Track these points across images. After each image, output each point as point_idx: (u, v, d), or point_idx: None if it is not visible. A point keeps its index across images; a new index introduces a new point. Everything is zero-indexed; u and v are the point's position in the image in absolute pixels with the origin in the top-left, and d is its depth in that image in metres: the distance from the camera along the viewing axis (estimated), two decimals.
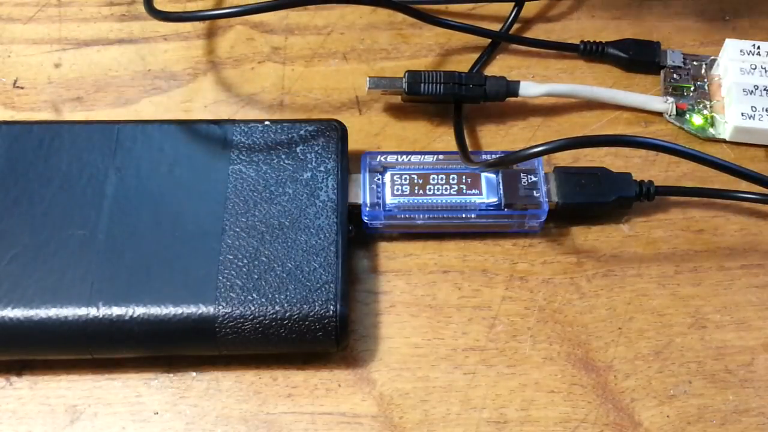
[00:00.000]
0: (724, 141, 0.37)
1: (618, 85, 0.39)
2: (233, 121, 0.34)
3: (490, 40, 0.39)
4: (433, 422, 0.30)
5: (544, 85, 0.37)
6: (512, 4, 0.40)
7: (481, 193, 0.33)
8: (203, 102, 0.38)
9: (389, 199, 0.33)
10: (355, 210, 0.33)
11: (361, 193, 0.33)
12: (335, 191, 0.32)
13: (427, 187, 0.33)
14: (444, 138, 0.37)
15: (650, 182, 0.34)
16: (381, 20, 0.40)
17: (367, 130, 0.37)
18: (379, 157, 0.34)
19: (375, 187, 0.33)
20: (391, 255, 0.34)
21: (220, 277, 0.30)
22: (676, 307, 0.33)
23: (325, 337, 0.30)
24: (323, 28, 0.40)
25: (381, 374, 0.31)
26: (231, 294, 0.30)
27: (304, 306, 0.30)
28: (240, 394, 0.31)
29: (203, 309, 0.30)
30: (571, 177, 0.34)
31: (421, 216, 0.33)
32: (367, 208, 0.33)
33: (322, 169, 0.33)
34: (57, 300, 0.30)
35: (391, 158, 0.34)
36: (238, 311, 0.30)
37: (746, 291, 0.33)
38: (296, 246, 0.31)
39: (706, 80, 0.38)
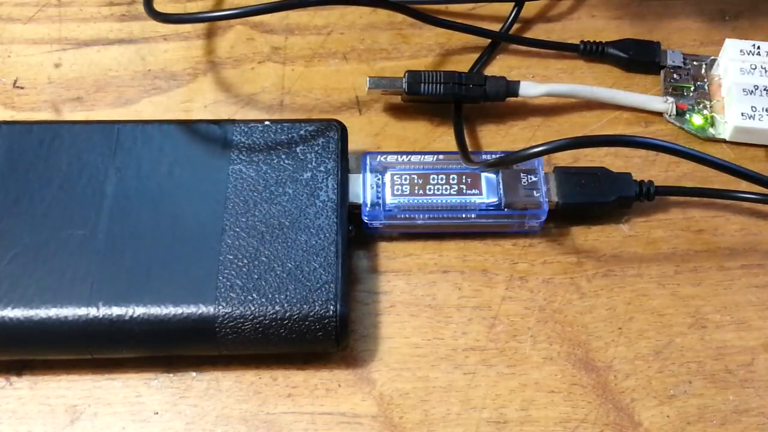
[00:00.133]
0: (724, 141, 0.37)
1: (618, 85, 0.39)
2: (233, 121, 0.34)
3: (490, 41, 0.39)
4: (433, 422, 0.30)
5: (544, 85, 0.37)
6: (512, 4, 0.40)
7: (481, 193, 0.33)
8: (203, 102, 0.38)
9: (389, 199, 0.33)
10: (355, 210, 0.33)
11: (361, 193, 0.33)
12: (335, 191, 0.32)
13: (427, 187, 0.33)
14: (444, 138, 0.37)
15: (650, 182, 0.34)
16: (381, 20, 0.40)
17: (367, 130, 0.37)
18: (379, 157, 0.34)
19: (375, 187, 0.33)
20: (391, 255, 0.34)
21: (220, 277, 0.30)
22: (676, 307, 0.33)
23: (325, 337, 0.30)
24: (323, 28, 0.40)
25: (381, 374, 0.31)
26: (231, 294, 0.30)
27: (304, 306, 0.30)
28: (240, 394, 0.31)
29: (203, 309, 0.30)
30: (571, 177, 0.34)
31: (421, 216, 0.33)
32: (367, 208, 0.33)
33: (322, 169, 0.33)
34: (57, 300, 0.30)
35: (391, 158, 0.34)
36: (238, 311, 0.30)
37: (746, 291, 0.33)
38: (296, 246, 0.31)
39: (706, 80, 0.39)
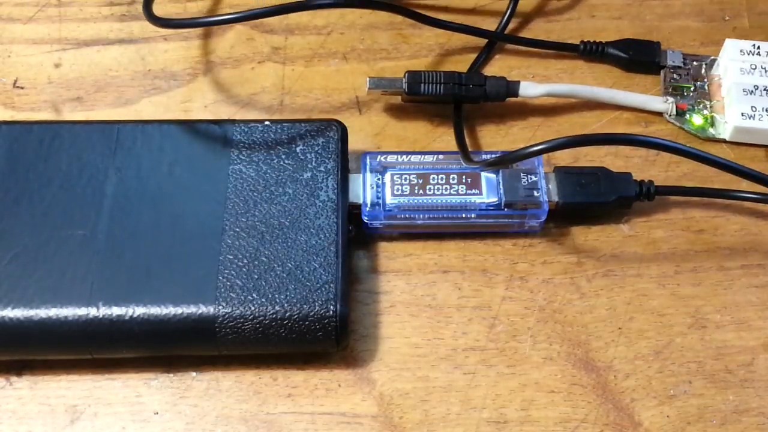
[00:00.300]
0: (724, 141, 0.37)
1: (618, 85, 0.39)
2: (233, 121, 0.34)
3: (486, 38, 0.39)
4: (433, 422, 0.30)
5: (544, 85, 0.37)
6: (508, 1, 0.40)
7: (481, 193, 0.33)
8: (203, 102, 0.38)
9: (389, 199, 0.33)
10: (355, 210, 0.33)
11: (361, 193, 0.33)
12: (335, 191, 0.32)
13: (427, 187, 0.33)
14: (444, 138, 0.37)
15: (650, 182, 0.34)
16: (381, 20, 0.40)
17: (367, 130, 0.37)
18: (379, 157, 0.34)
19: (375, 187, 0.33)
20: (391, 255, 0.34)
21: (220, 277, 0.30)
22: (676, 307, 0.33)
23: (325, 337, 0.30)
24: (323, 28, 0.40)
25: (381, 374, 0.31)
26: (231, 294, 0.30)
27: (304, 306, 0.30)
28: (240, 394, 0.31)
29: (203, 309, 0.30)
30: (571, 177, 0.34)
31: (421, 216, 0.33)
32: (367, 208, 0.33)
33: (322, 169, 0.33)
34: (57, 300, 0.30)
35: (391, 158, 0.34)
36: (238, 311, 0.30)
37: (746, 291, 0.33)
38: (296, 246, 0.31)
39: (706, 80, 0.38)
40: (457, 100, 0.37)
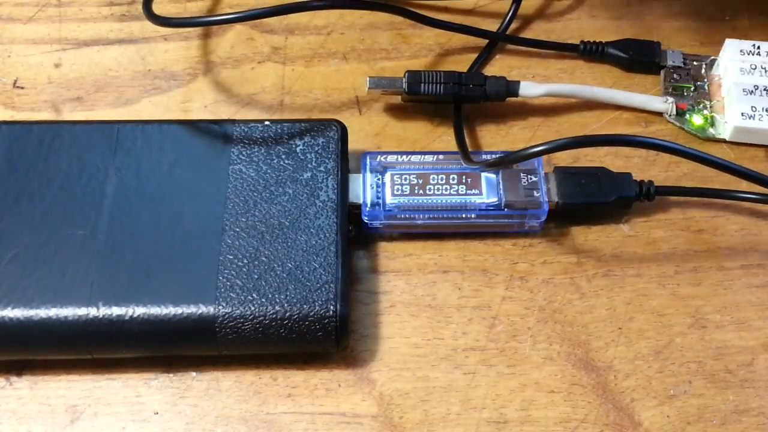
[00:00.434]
0: (724, 141, 0.37)
1: (618, 85, 0.39)
2: (233, 121, 0.34)
3: (487, 38, 0.39)
4: (433, 422, 0.30)
5: (544, 85, 0.37)
6: (510, 1, 0.40)
7: (481, 193, 0.33)
8: (203, 102, 0.38)
9: (389, 199, 0.33)
10: (355, 210, 0.33)
11: (361, 193, 0.33)
12: (335, 191, 0.32)
13: (427, 187, 0.33)
14: (444, 138, 0.37)
15: (650, 182, 0.34)
16: (381, 20, 0.40)
17: (367, 130, 0.37)
18: (379, 157, 0.34)
19: (375, 187, 0.33)
20: (391, 255, 0.34)
21: (220, 277, 0.30)
22: (676, 307, 0.33)
23: (325, 337, 0.30)
24: (323, 28, 0.40)
25: (381, 374, 0.31)
26: (231, 294, 0.30)
27: (304, 306, 0.30)
28: (240, 394, 0.31)
29: (203, 309, 0.30)
30: (571, 177, 0.34)
31: (421, 216, 0.33)
32: (367, 208, 0.33)
33: (322, 169, 0.33)
34: (57, 300, 0.30)
35: (391, 158, 0.34)
36: (238, 311, 0.30)
37: (746, 291, 0.33)
38: (296, 246, 0.31)
39: (706, 80, 0.38)
40: (457, 100, 0.37)
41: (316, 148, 0.33)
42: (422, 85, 0.36)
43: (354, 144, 0.35)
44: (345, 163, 0.34)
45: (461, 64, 0.39)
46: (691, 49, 0.40)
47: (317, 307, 0.30)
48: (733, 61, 0.38)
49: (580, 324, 0.32)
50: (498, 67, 0.39)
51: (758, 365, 0.32)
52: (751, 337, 0.32)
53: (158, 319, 0.29)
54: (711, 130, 0.37)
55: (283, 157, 0.33)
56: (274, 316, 0.30)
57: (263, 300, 0.30)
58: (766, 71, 0.37)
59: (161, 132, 0.34)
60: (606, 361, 0.32)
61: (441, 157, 0.34)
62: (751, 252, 0.34)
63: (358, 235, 0.33)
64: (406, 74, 0.36)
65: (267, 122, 0.34)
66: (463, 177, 0.34)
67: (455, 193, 0.33)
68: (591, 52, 0.39)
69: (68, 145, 0.33)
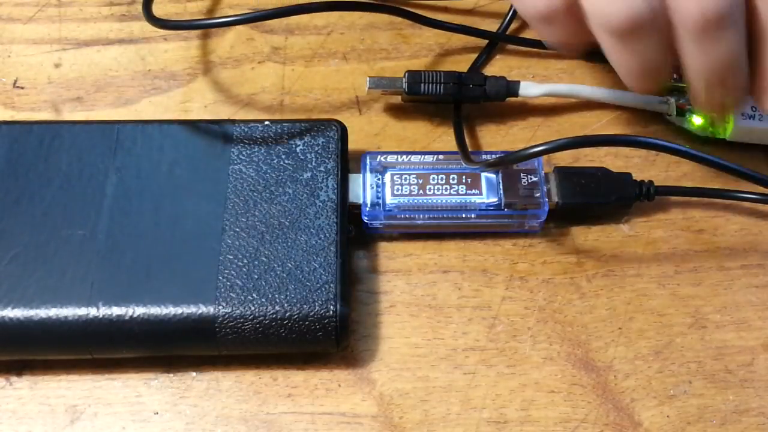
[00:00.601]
0: (724, 141, 0.37)
1: (618, 85, 0.39)
2: (233, 121, 0.34)
3: (487, 39, 0.39)
4: (433, 422, 0.30)
5: (544, 85, 0.37)
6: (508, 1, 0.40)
7: (481, 193, 0.33)
8: (203, 102, 0.38)
9: (389, 199, 0.33)
10: (355, 210, 0.33)
11: (361, 193, 0.33)
12: (335, 191, 0.32)
13: (427, 187, 0.33)
14: (444, 138, 0.37)
15: (650, 182, 0.34)
16: (381, 20, 0.40)
17: (367, 130, 0.37)
18: (379, 157, 0.34)
19: (375, 187, 0.33)
20: (391, 255, 0.34)
21: (220, 277, 0.30)
22: (676, 307, 0.33)
23: (325, 337, 0.30)
24: (323, 28, 0.40)
25: (381, 374, 0.31)
26: (231, 294, 0.30)
27: (304, 306, 0.30)
28: (240, 394, 0.31)
29: (203, 309, 0.30)
30: (571, 177, 0.34)
31: (421, 216, 0.33)
32: (367, 208, 0.33)
33: (322, 169, 0.33)
34: (57, 300, 0.30)
35: (391, 158, 0.34)
36: (238, 311, 0.30)
37: (746, 291, 0.33)
38: (296, 246, 0.31)
39: None
40: (457, 100, 0.37)
41: (316, 148, 0.33)
42: (422, 85, 0.36)
43: (354, 144, 0.35)
44: (345, 163, 0.34)
45: (461, 64, 0.39)
46: None
47: (317, 307, 0.30)
48: None
49: (580, 324, 0.32)
50: (498, 67, 0.39)
51: (758, 365, 0.32)
52: (751, 337, 0.32)
53: (158, 319, 0.29)
54: (711, 130, 0.37)
55: (283, 157, 0.33)
56: (274, 316, 0.30)
57: (263, 300, 0.30)
58: None
59: (161, 132, 0.34)
60: (606, 361, 0.32)
61: (441, 157, 0.34)
62: (751, 252, 0.34)
63: (358, 235, 0.33)
64: (406, 74, 0.36)
65: (267, 122, 0.34)
66: (463, 177, 0.34)
67: (455, 193, 0.33)
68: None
69: (68, 145, 0.33)
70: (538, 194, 0.33)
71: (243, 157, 0.33)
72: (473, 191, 0.33)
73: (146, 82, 0.38)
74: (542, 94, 0.37)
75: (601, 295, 0.33)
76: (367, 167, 0.34)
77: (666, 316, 0.33)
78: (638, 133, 0.37)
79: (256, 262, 0.31)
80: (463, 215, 0.33)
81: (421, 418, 0.31)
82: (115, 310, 0.29)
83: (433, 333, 0.32)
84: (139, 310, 0.29)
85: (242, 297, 0.30)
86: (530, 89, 0.37)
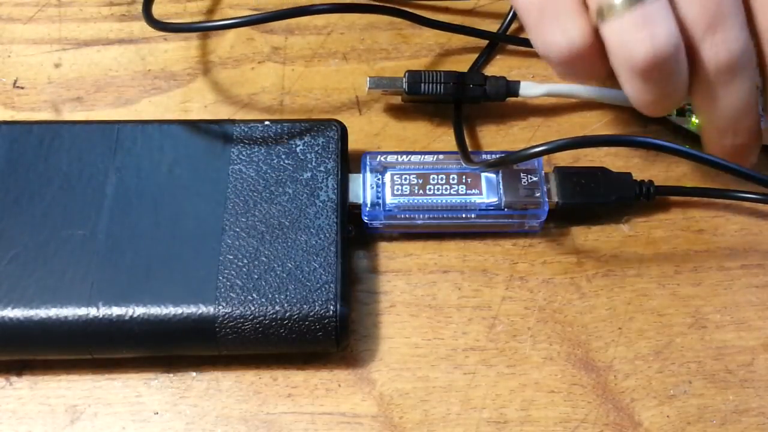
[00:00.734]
0: None
1: (618, 85, 0.38)
2: (233, 121, 0.34)
3: (487, 39, 0.39)
4: (433, 422, 0.30)
5: (544, 85, 0.37)
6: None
7: (481, 193, 0.33)
8: (203, 102, 0.38)
9: (389, 199, 0.33)
10: (355, 210, 0.33)
11: (361, 193, 0.33)
12: (335, 191, 0.32)
13: (427, 187, 0.33)
14: (444, 138, 0.37)
15: (650, 182, 0.34)
16: (381, 20, 0.40)
17: (367, 130, 0.37)
18: (379, 157, 0.34)
19: (375, 187, 0.33)
20: (391, 255, 0.34)
21: (220, 277, 0.30)
22: (676, 307, 0.33)
23: (325, 337, 0.30)
24: (323, 28, 0.40)
25: (381, 374, 0.31)
26: (231, 294, 0.30)
27: (304, 306, 0.30)
28: (240, 394, 0.31)
29: (203, 309, 0.30)
30: (571, 177, 0.34)
31: (421, 216, 0.33)
32: (367, 208, 0.33)
33: (322, 169, 0.33)
34: (57, 300, 0.30)
35: (391, 158, 0.34)
36: (238, 311, 0.30)
37: (746, 291, 0.33)
38: (296, 246, 0.31)
39: None
40: (458, 100, 0.37)
41: (316, 148, 0.33)
42: (422, 84, 0.36)
43: (354, 144, 0.35)
44: (345, 163, 0.34)
45: (461, 63, 0.39)
46: None
47: (317, 307, 0.30)
48: None
49: (580, 324, 0.32)
50: (498, 67, 0.39)
51: (758, 365, 0.32)
52: (751, 337, 0.32)
53: (158, 319, 0.29)
54: None
55: (283, 157, 0.33)
56: (274, 316, 0.30)
57: (263, 300, 0.30)
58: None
59: (161, 132, 0.34)
60: (606, 361, 0.32)
61: (441, 157, 0.34)
62: (751, 252, 0.34)
63: (358, 235, 0.33)
64: (407, 74, 0.36)
65: (267, 122, 0.34)
66: (463, 177, 0.34)
67: (455, 193, 0.33)
68: None
69: (68, 145, 0.33)
70: (538, 194, 0.33)
71: (243, 157, 0.33)
72: (473, 191, 0.33)
73: (146, 82, 0.38)
74: (542, 94, 0.37)
75: (601, 295, 0.33)
76: (367, 167, 0.34)
77: (666, 316, 0.33)
78: (638, 133, 0.37)
79: (256, 262, 0.31)
80: (463, 215, 0.33)
81: (421, 418, 0.31)
82: (115, 310, 0.29)
83: (433, 333, 0.32)
84: (139, 310, 0.30)
85: (242, 297, 0.30)
86: (530, 89, 0.37)
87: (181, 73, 0.39)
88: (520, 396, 0.31)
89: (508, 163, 0.33)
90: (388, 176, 0.34)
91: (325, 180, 0.33)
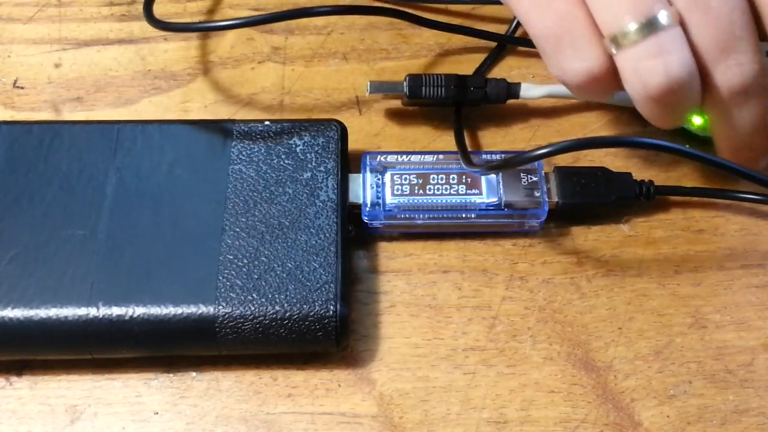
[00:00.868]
0: None
1: None
2: (233, 121, 0.34)
3: (488, 41, 0.39)
4: (433, 422, 0.30)
5: (544, 87, 0.37)
6: None
7: (481, 193, 0.33)
8: (203, 102, 0.38)
9: (389, 199, 0.33)
10: (355, 210, 0.33)
11: (361, 193, 0.33)
12: (335, 191, 0.32)
13: (427, 187, 0.33)
14: (444, 138, 0.37)
15: (650, 182, 0.34)
16: (381, 20, 0.40)
17: (367, 130, 0.37)
18: (379, 157, 0.34)
19: (375, 187, 0.33)
20: (391, 255, 0.34)
21: (220, 277, 0.30)
22: (676, 307, 0.33)
23: (325, 337, 0.30)
24: (323, 28, 0.40)
25: (381, 374, 0.31)
26: (231, 294, 0.30)
27: (304, 306, 0.30)
28: (240, 394, 0.31)
29: (203, 309, 0.30)
30: (572, 177, 0.34)
31: (421, 216, 0.33)
32: (367, 208, 0.33)
33: (322, 169, 0.33)
34: (57, 300, 0.30)
35: (391, 158, 0.34)
36: (238, 311, 0.30)
37: (746, 291, 0.33)
38: (296, 246, 0.31)
39: None
40: (458, 103, 0.37)
41: (316, 148, 0.33)
42: (423, 88, 0.36)
43: (354, 144, 0.35)
44: (345, 163, 0.34)
45: (461, 63, 0.39)
46: None
47: (317, 307, 0.30)
48: None
49: (580, 324, 0.32)
50: (498, 67, 0.39)
51: (758, 365, 0.32)
52: (751, 337, 0.32)
53: (158, 319, 0.29)
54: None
55: (283, 157, 0.33)
56: (274, 316, 0.30)
57: (263, 300, 0.30)
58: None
59: (161, 132, 0.34)
60: (606, 361, 0.32)
61: (441, 156, 0.34)
62: (751, 252, 0.34)
63: (358, 235, 0.33)
64: (407, 78, 0.36)
65: (267, 122, 0.34)
66: (463, 177, 0.34)
67: (455, 193, 0.33)
68: None
69: (68, 145, 0.33)
70: (538, 194, 0.33)
71: (243, 157, 0.33)
72: (473, 191, 0.33)
73: (146, 82, 0.38)
74: (543, 96, 0.37)
75: (601, 295, 0.33)
76: (367, 167, 0.34)
77: (666, 316, 0.33)
78: (638, 133, 0.37)
79: (256, 262, 0.31)
80: (463, 215, 0.33)
81: (421, 418, 0.31)
82: (115, 310, 0.29)
83: (433, 333, 0.32)
84: (139, 310, 0.30)
85: (242, 297, 0.30)
86: (531, 91, 0.37)
87: (181, 73, 0.39)
88: (520, 396, 0.31)
89: (509, 167, 0.33)
90: (388, 176, 0.34)
91: (325, 180, 0.33)
